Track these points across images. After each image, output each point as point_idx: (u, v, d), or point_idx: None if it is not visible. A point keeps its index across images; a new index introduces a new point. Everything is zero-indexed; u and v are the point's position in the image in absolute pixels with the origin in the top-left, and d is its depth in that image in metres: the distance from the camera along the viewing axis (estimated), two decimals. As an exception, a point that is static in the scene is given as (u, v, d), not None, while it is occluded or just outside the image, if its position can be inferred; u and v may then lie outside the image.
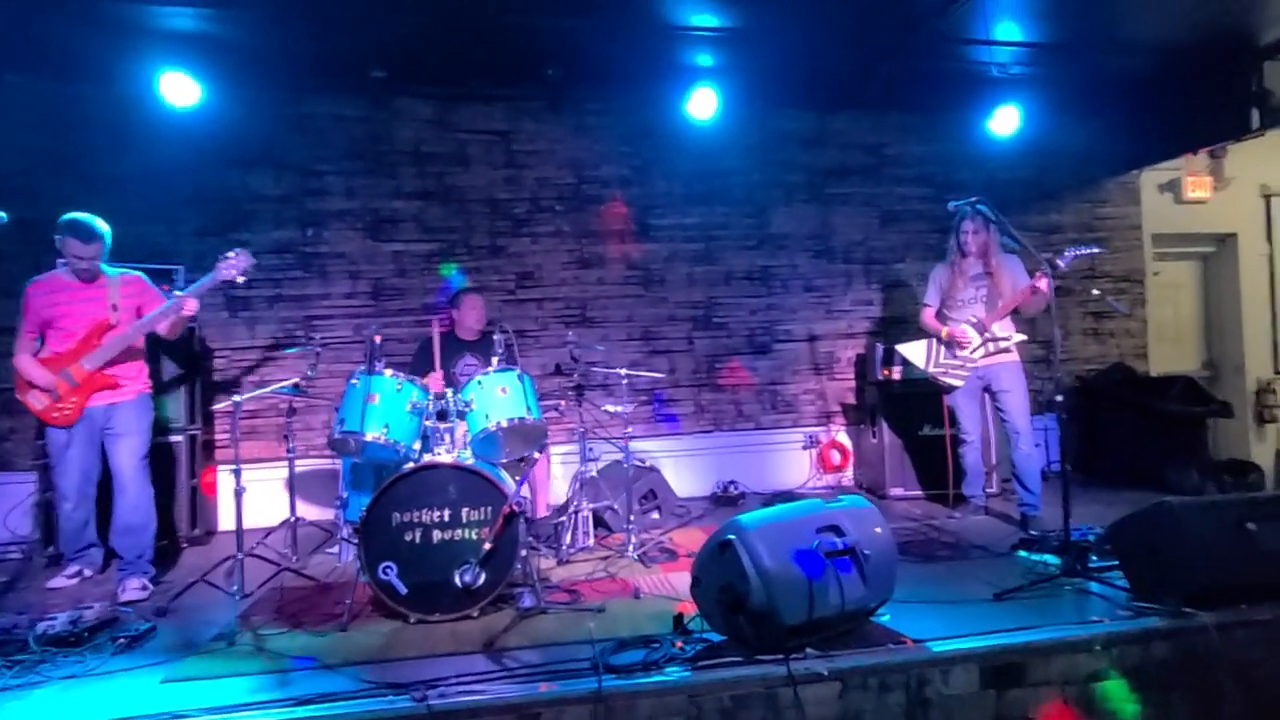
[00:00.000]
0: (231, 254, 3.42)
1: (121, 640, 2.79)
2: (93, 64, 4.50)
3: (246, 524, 3.43)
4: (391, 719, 2.20)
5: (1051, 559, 3.36)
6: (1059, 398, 3.30)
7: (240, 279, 3.45)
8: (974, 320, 4.18)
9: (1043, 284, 3.81)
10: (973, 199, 3.69)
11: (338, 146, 5.14)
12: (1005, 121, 5.34)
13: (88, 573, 3.64)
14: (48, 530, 4.04)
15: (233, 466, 3.44)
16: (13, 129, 4.65)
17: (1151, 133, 5.90)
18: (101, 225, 3.42)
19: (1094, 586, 3.07)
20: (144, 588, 3.41)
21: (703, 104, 5.05)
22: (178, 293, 3.43)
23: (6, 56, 4.46)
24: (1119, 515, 3.07)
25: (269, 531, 3.89)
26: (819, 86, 5.36)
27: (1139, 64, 5.19)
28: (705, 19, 4.50)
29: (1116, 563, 3.06)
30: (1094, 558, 3.21)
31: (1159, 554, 2.83)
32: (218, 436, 4.84)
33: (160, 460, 4.20)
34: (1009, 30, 4.71)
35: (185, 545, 4.28)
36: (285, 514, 3.96)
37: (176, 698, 2.35)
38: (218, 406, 4.00)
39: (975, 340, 4.17)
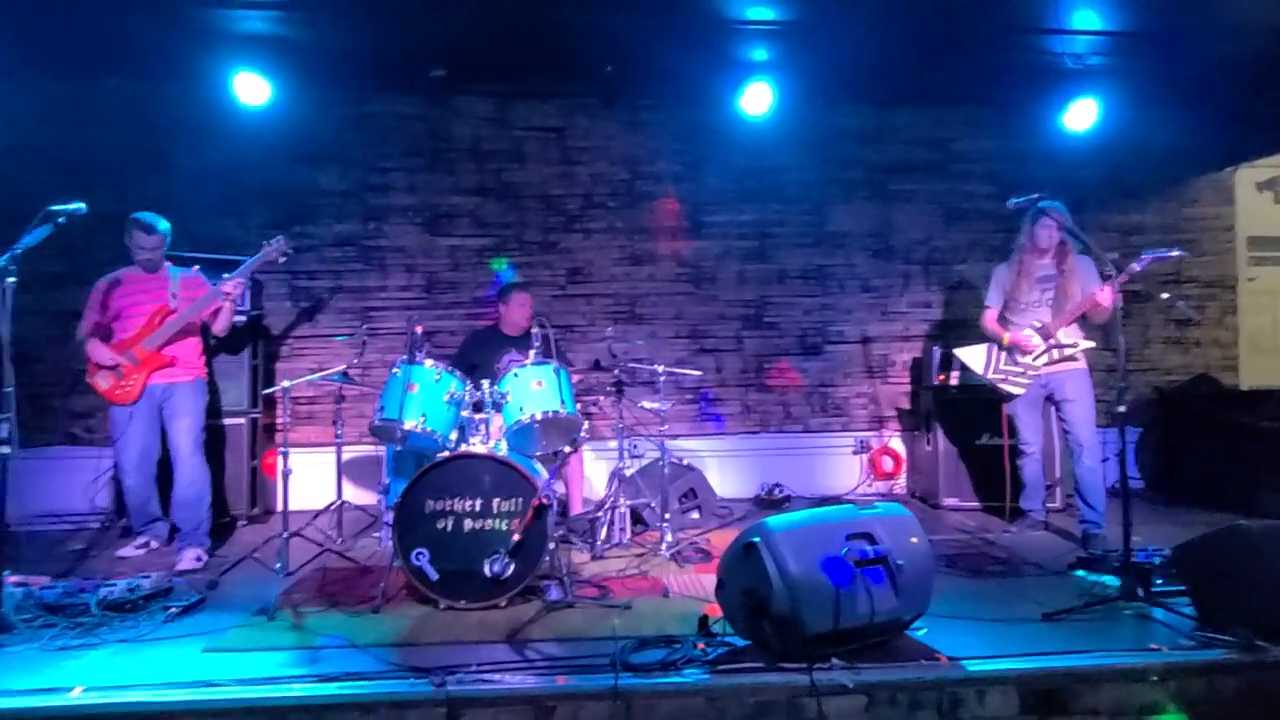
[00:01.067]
0: (273, 240, 3.70)
1: (173, 609, 2.94)
2: (174, 65, 4.77)
3: (303, 505, 3.58)
4: (409, 701, 2.23)
5: (1111, 580, 3.14)
6: (1121, 409, 3.08)
7: (281, 259, 3.74)
8: (1039, 325, 3.96)
9: (1105, 298, 3.56)
10: (1035, 196, 3.48)
11: (399, 144, 5.29)
12: (1081, 115, 5.04)
13: (154, 544, 3.86)
14: (120, 503, 4.30)
15: (284, 449, 3.58)
16: (106, 127, 4.97)
17: (1249, 126, 5.49)
18: (162, 221, 3.73)
19: (1157, 612, 2.84)
20: (199, 559, 3.61)
21: (757, 99, 4.97)
22: (225, 276, 3.72)
23: (103, 60, 4.78)
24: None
25: (317, 514, 4.03)
26: (879, 80, 5.20)
27: (1237, 51, 4.81)
28: (761, 12, 4.43)
29: (1184, 588, 2.84)
30: (1159, 581, 2.98)
31: (1232, 580, 2.60)
32: (278, 420, 5.05)
33: (223, 441, 4.44)
34: (1086, 19, 4.45)
35: (244, 522, 4.49)
36: (335, 497, 4.10)
37: (215, 667, 2.45)
38: (271, 390, 4.17)
39: (1039, 346, 3.94)
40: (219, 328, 3.81)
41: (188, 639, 2.71)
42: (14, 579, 2.84)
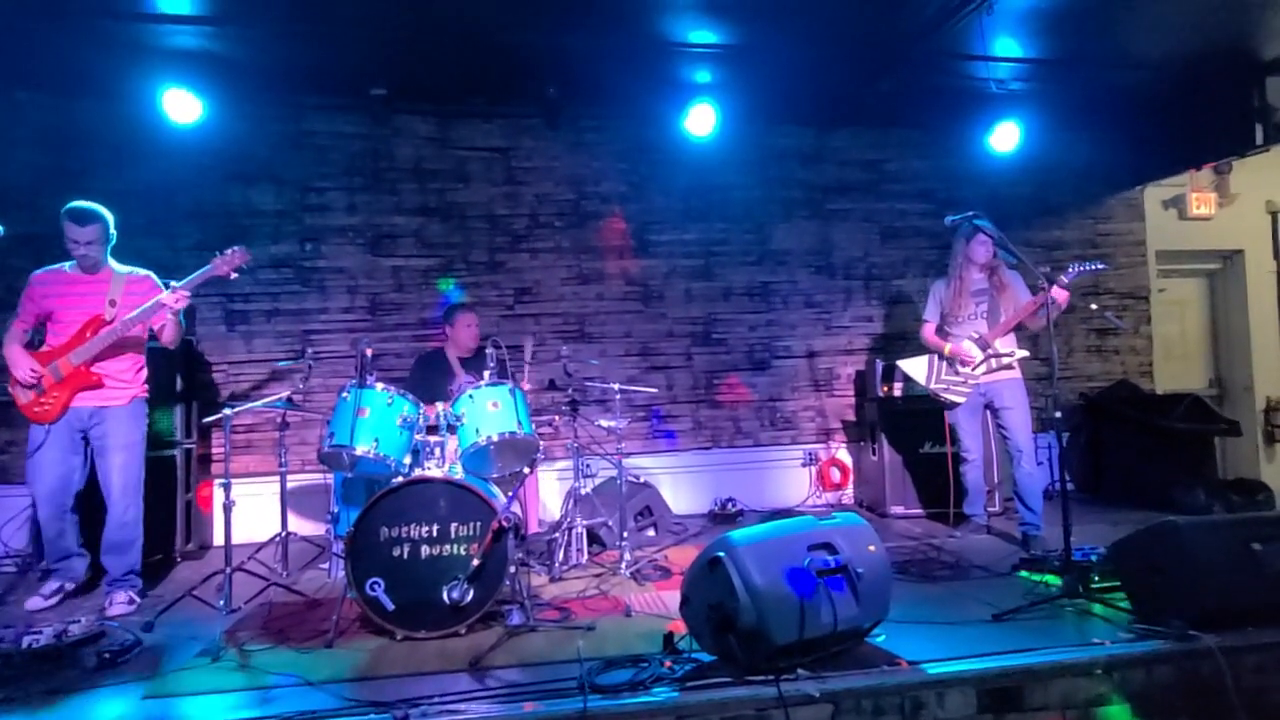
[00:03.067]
0: (230, 250, 3.34)
1: (106, 655, 2.75)
2: (97, 81, 4.57)
3: (241, 538, 3.41)
4: (371, 738, 2.16)
5: (1053, 579, 3.29)
6: (1058, 414, 3.25)
7: (234, 275, 3.36)
8: (976, 336, 4.14)
9: (1060, 294, 3.69)
10: (969, 214, 3.66)
11: (338, 163, 5.17)
12: (1005, 137, 5.32)
13: (69, 587, 3.45)
14: (39, 542, 4.01)
15: (223, 480, 3.42)
16: (18, 144, 4.72)
17: (1154, 148, 5.90)
18: (101, 210, 3.34)
19: (1096, 608, 2.99)
20: (131, 601, 3.36)
21: (701, 120, 5.06)
22: (173, 283, 3.35)
23: (14, 73, 4.54)
24: (1123, 535, 3.00)
25: (260, 546, 3.86)
26: (818, 103, 5.38)
27: (1141, 79, 5.18)
28: (704, 35, 4.53)
29: (1119, 584, 2.99)
30: (1096, 578, 3.13)
31: (1163, 575, 2.76)
32: (214, 450, 4.83)
33: (156, 474, 4.20)
34: (1008, 46, 4.72)
35: (179, 559, 4.25)
36: (278, 529, 3.93)
37: (156, 714, 2.32)
38: (212, 419, 3.97)
39: (978, 357, 4.13)
40: (167, 339, 3.43)
41: (125, 685, 2.55)
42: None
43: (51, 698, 2.47)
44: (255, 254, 4.91)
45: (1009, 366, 4.12)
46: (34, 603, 3.39)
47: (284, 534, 3.88)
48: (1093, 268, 3.81)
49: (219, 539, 3.53)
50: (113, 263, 3.44)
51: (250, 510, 4.17)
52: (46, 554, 3.50)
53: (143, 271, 3.50)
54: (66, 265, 3.40)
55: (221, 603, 3.27)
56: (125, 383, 3.42)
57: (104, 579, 3.46)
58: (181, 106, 4.50)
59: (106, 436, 3.36)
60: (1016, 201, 5.87)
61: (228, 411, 3.46)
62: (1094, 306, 3.86)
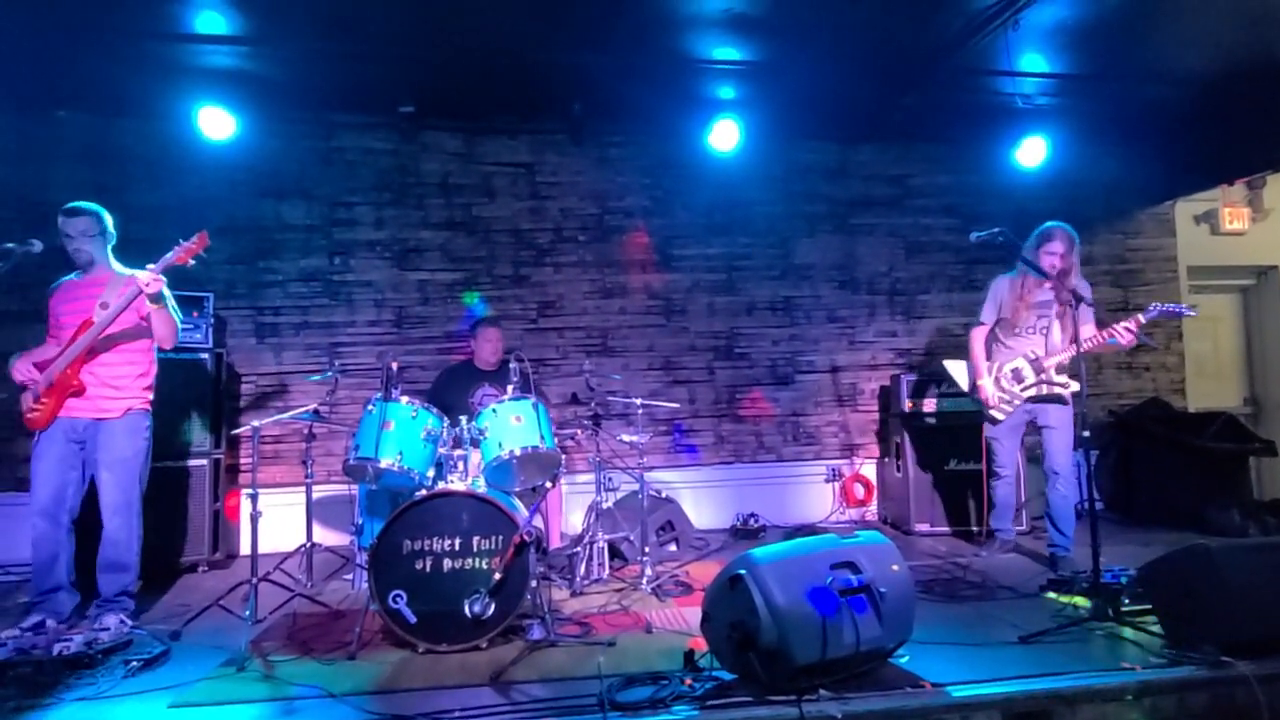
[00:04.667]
0: (194, 237, 3.16)
1: (134, 663, 2.81)
2: (135, 99, 4.72)
3: (267, 548, 3.44)
4: (393, 751, 2.17)
5: (1081, 601, 3.22)
6: (1086, 433, 3.19)
7: (191, 263, 3.16)
8: (1032, 357, 3.93)
9: (1126, 339, 3.55)
10: (996, 230, 3.60)
11: (367, 178, 5.27)
12: (1032, 152, 5.28)
13: (50, 623, 3.06)
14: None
15: (250, 491, 3.48)
16: (58, 161, 4.87)
17: (1186, 163, 5.81)
18: (93, 206, 3.29)
19: (1126, 631, 2.92)
20: (121, 623, 3.12)
21: (724, 136, 5.09)
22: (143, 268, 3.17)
23: (56, 93, 4.69)
24: (1155, 556, 2.93)
25: (285, 556, 3.91)
26: (842, 118, 5.39)
27: (1172, 94, 5.11)
28: (727, 52, 4.56)
29: (1150, 606, 2.93)
30: (1126, 601, 3.07)
31: (1195, 599, 2.69)
32: (242, 461, 4.92)
33: (182, 483, 4.29)
34: (1034, 61, 4.69)
35: (205, 568, 4.32)
36: (303, 539, 3.98)
37: (182, 723, 2.35)
38: (239, 431, 4.04)
39: (1030, 379, 3.93)
40: (160, 336, 3.28)
41: (152, 694, 2.59)
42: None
43: (81, 705, 2.52)
44: (285, 268, 5.12)
45: (1058, 397, 3.92)
46: (9, 634, 2.93)
47: (309, 545, 3.93)
48: (1177, 310, 3.57)
49: (245, 549, 3.56)
50: (114, 264, 3.35)
51: (276, 520, 4.25)
52: (34, 583, 3.22)
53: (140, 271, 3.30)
54: (74, 274, 3.35)
55: (247, 613, 3.32)
56: (120, 392, 3.27)
57: (94, 601, 3.29)
58: (216, 123, 4.62)
59: (99, 450, 3.24)
60: (1043, 217, 5.65)
61: (256, 424, 3.52)
62: (1120, 326, 3.73)
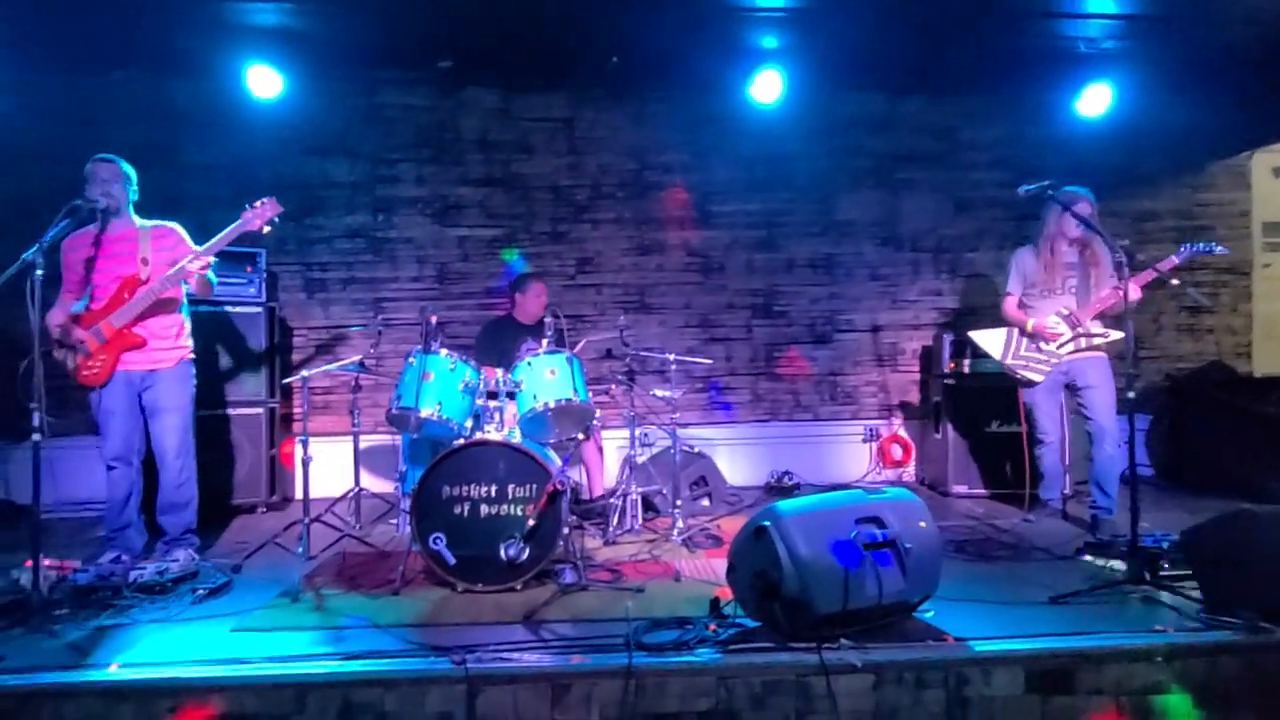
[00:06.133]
0: (259, 202, 3.28)
1: (201, 591, 3.04)
2: (186, 59, 4.83)
3: (318, 493, 3.63)
4: (431, 679, 2.30)
5: (1119, 565, 3.18)
6: (1130, 395, 3.10)
7: (266, 229, 3.29)
8: (1065, 313, 3.89)
9: (1135, 293, 3.42)
10: (1046, 183, 3.46)
11: (407, 135, 5.33)
12: (1095, 101, 5.02)
13: (125, 559, 3.30)
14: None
15: (302, 438, 3.65)
16: (113, 121, 5.00)
17: (1264, 111, 5.44)
18: (118, 158, 3.36)
19: (1163, 596, 2.88)
20: (190, 556, 3.32)
21: (767, 87, 4.98)
22: (197, 247, 3.30)
23: (113, 55, 4.84)
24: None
25: (335, 500, 4.11)
26: (888, 68, 5.20)
27: (1251, 35, 4.77)
28: (770, -1, 4.42)
29: (1190, 572, 2.87)
30: (1166, 565, 3.01)
31: (1237, 564, 2.63)
32: (295, 410, 5.14)
33: (241, 430, 4.52)
34: (1100, 2, 4.42)
35: (263, 509, 4.58)
36: (352, 484, 4.17)
37: (243, 645, 2.54)
38: (290, 380, 4.23)
39: (1066, 334, 3.88)
40: (196, 290, 3.40)
41: (216, 619, 2.80)
42: (48, 563, 2.92)
43: (154, 625, 2.74)
44: (331, 225, 5.25)
45: (1097, 348, 3.88)
46: (91, 564, 3.23)
47: (356, 490, 4.12)
48: (1206, 249, 3.49)
49: (298, 493, 3.76)
50: (135, 217, 3.41)
51: (326, 467, 4.45)
52: (107, 520, 3.45)
53: (167, 224, 3.44)
54: (92, 225, 3.34)
55: (300, 550, 3.53)
56: (171, 343, 3.41)
57: (160, 540, 3.51)
58: (264, 82, 4.73)
59: (158, 399, 3.38)
60: (1103, 170, 5.47)
61: (305, 374, 3.67)
62: (1175, 282, 3.54)
